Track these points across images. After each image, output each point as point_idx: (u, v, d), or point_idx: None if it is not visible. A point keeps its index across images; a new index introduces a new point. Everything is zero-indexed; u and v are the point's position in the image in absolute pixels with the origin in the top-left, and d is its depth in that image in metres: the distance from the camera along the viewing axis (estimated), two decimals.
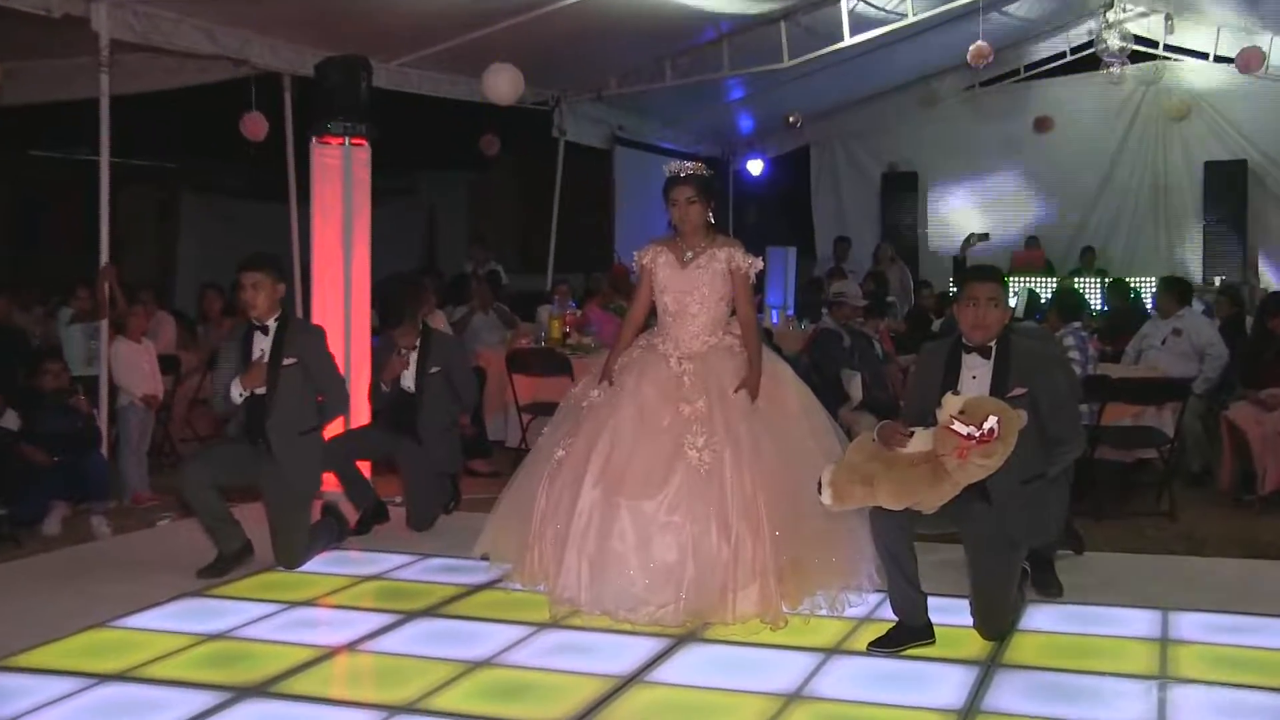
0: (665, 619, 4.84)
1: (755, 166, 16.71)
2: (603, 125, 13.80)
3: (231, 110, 10.20)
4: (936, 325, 11.37)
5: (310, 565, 5.98)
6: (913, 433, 4.58)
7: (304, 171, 8.01)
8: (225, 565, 5.84)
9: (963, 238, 15.23)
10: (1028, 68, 15.59)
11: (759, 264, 5.44)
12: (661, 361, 5.30)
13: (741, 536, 4.88)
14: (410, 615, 5.14)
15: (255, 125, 10.09)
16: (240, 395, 5.90)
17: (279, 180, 9.80)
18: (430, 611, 5.22)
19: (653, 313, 5.54)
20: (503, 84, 9.79)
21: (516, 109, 11.18)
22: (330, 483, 6.85)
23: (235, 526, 5.94)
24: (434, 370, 6.95)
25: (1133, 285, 12.36)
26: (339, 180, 7.61)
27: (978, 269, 5.14)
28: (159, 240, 17.87)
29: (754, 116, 15.75)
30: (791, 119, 15.36)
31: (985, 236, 15.08)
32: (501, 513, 5.42)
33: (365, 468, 7.14)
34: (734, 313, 5.43)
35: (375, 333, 7.67)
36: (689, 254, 5.39)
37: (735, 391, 5.18)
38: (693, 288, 5.35)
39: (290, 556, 5.92)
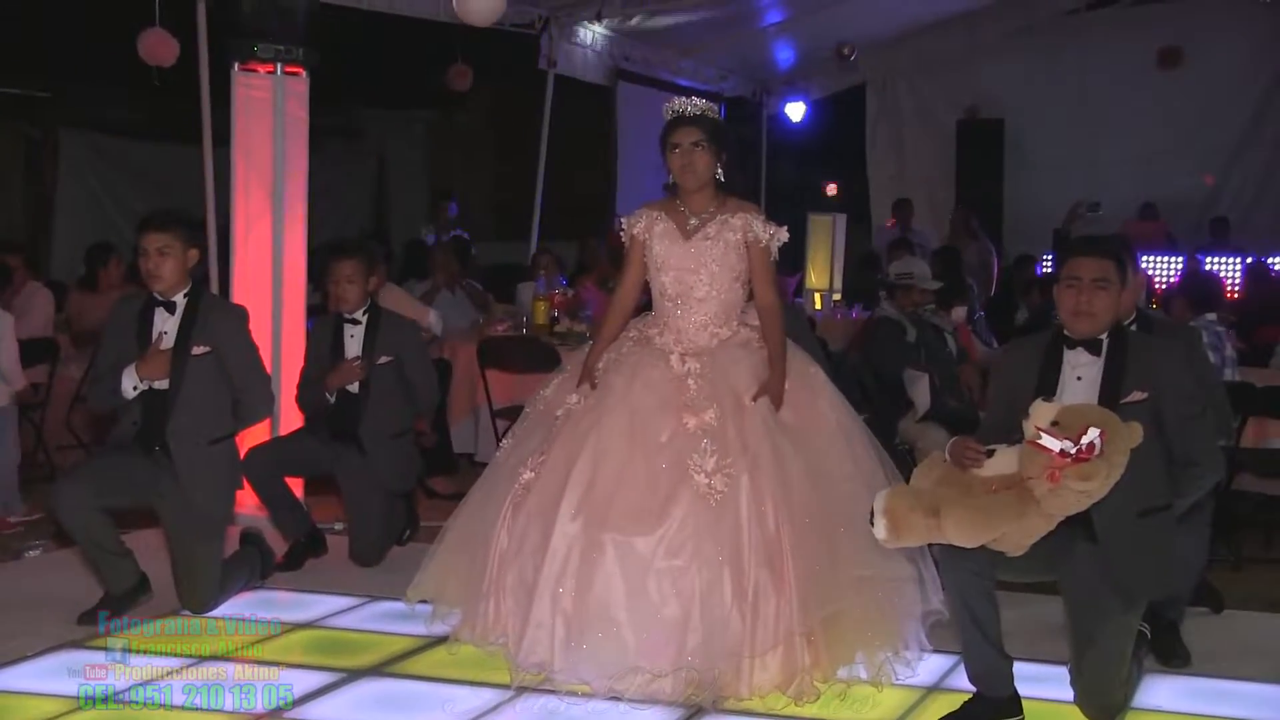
0: (662, 693, 4.82)
1: (796, 111, 16.75)
2: (603, 55, 13.82)
3: (127, 26, 10.17)
4: (1021, 317, 11.37)
5: (224, 609, 5.98)
6: (993, 450, 4.57)
7: (222, 107, 8.00)
8: (115, 608, 5.82)
9: (1058, 203, 15.18)
10: None
11: (784, 234, 5.42)
12: (659, 359, 5.30)
13: (762, 588, 4.85)
14: (354, 674, 5.15)
15: (159, 46, 10.06)
16: (134, 389, 5.87)
17: (190, 117, 9.76)
18: (379, 669, 5.23)
19: (647, 294, 5.53)
20: (479, 1, 9.78)
21: (494, 32, 11.17)
22: (251, 503, 6.85)
23: (127, 559, 5.93)
24: (384, 361, 6.94)
25: (1273, 265, 12.35)
26: (268, 119, 7.62)
27: (1084, 241, 5.14)
28: (30, 191, 17.83)
29: (795, 46, 15.77)
30: (844, 50, 15.37)
31: (1096, 206, 14.97)
32: (448, 548, 5.42)
33: (296, 486, 7.15)
34: (751, 297, 5.42)
35: (312, 313, 7.67)
36: (693, 221, 5.38)
37: (754, 399, 5.17)
38: (699, 265, 5.34)
39: (198, 597, 5.91)
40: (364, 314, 6.98)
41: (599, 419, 5.16)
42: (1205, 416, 4.78)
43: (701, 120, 5.32)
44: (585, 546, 4.92)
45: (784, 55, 16.09)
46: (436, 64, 12.88)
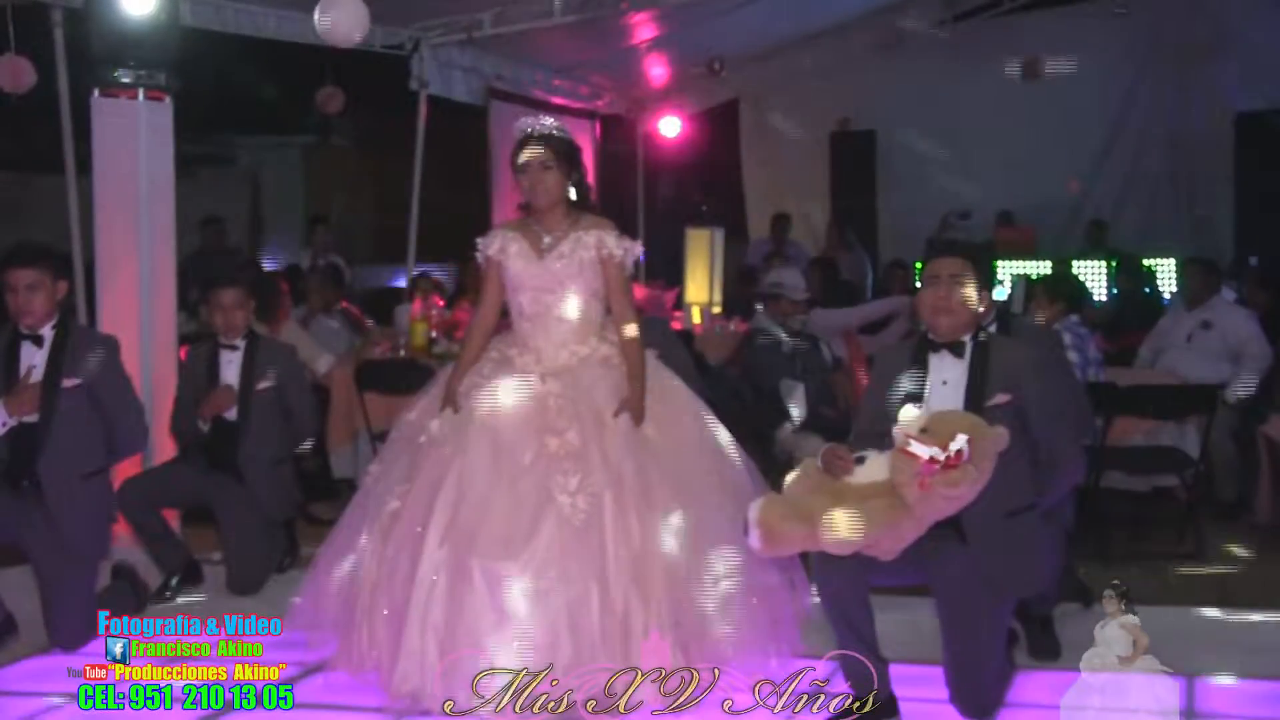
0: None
1: (670, 126, 16.77)
2: (475, 75, 13.75)
3: None
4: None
5: (95, 646, 5.87)
6: (864, 457, 4.65)
7: (84, 134, 7.91)
8: None
9: (930, 213, 15.39)
10: None
11: (638, 249, 5.50)
12: (520, 380, 5.33)
13: (630, 605, 4.90)
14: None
15: (15, 71, 9.92)
16: (3, 424, 5.81)
17: (50, 145, 9.66)
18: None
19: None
20: (344, 21, 9.73)
21: (363, 54, 11.13)
22: (125, 535, 6.78)
23: None
24: (264, 386, 6.91)
25: (1149, 266, 12.57)
26: (132, 146, 7.55)
27: (941, 244, 5.25)
28: None
29: (668, 63, 15.82)
30: (715, 65, 15.46)
31: (966, 215, 15.21)
32: (320, 575, 5.40)
33: (172, 517, 7.07)
34: (609, 313, 5.47)
35: (185, 341, 7.60)
36: (547, 239, 5.43)
37: (615, 416, 5.22)
38: (555, 283, 5.39)
39: (69, 635, 5.82)
40: (243, 339, 6.95)
41: (462, 444, 5.17)
42: (1067, 416, 4.90)
43: (548, 139, 5.35)
44: (452, 573, 4.93)
45: (657, 72, 16.13)
46: (308, 87, 12.79)
